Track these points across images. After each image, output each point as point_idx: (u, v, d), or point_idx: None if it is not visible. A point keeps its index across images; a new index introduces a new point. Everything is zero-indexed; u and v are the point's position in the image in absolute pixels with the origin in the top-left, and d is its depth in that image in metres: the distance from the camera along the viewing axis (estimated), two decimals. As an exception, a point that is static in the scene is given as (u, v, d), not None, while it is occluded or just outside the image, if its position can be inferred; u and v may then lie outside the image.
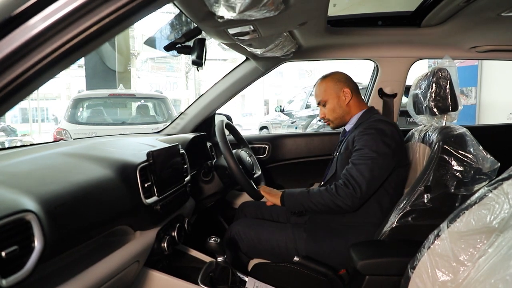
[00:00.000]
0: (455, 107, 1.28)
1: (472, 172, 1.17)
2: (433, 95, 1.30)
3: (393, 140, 1.32)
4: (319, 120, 6.55)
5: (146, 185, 1.05)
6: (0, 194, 0.65)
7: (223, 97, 1.91)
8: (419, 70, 1.78)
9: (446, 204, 1.17)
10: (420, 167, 1.35)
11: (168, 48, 1.34)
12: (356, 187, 1.25)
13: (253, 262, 1.46)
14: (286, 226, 1.47)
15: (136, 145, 1.30)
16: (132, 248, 1.01)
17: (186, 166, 1.38)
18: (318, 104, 1.54)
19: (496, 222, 0.71)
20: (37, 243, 0.63)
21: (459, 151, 1.18)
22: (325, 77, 1.53)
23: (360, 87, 1.53)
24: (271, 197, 1.44)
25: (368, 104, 1.97)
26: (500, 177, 0.76)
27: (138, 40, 14.77)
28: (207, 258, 1.40)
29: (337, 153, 1.50)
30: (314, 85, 1.57)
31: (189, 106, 1.96)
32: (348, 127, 1.53)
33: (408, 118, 4.36)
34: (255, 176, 1.69)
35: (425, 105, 1.34)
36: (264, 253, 1.44)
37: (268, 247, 1.41)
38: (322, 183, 1.55)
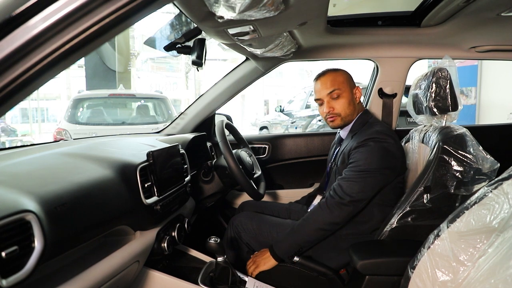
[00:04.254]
0: (455, 107, 1.28)
1: (472, 172, 1.17)
2: (433, 95, 1.30)
3: (389, 153, 1.29)
4: (319, 120, 6.55)
5: (146, 185, 1.05)
6: (0, 194, 0.65)
7: (223, 97, 1.91)
8: (419, 70, 1.78)
9: (446, 204, 1.17)
10: (420, 167, 1.35)
11: (168, 48, 1.34)
12: (344, 195, 1.24)
13: (253, 262, 1.46)
14: (286, 221, 1.50)
15: (136, 145, 1.30)
16: (132, 248, 1.01)
17: (186, 166, 1.38)
18: (329, 93, 1.41)
19: (496, 222, 0.71)
20: (37, 244, 0.63)
21: (459, 151, 1.18)
22: (337, 70, 1.47)
23: (360, 87, 1.51)
24: (259, 259, 1.34)
25: (368, 104, 1.97)
26: (500, 177, 0.76)
27: (138, 40, 14.76)
28: (207, 258, 1.40)
29: (334, 164, 1.47)
30: (322, 75, 1.46)
31: (189, 106, 1.96)
32: (344, 133, 1.50)
33: (408, 118, 4.36)
34: (255, 176, 1.69)
35: (425, 105, 1.34)
36: (264, 245, 1.45)
37: (269, 239, 1.43)
38: (323, 193, 1.54)
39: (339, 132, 1.56)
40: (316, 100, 1.49)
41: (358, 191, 1.24)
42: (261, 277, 1.35)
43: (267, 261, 1.32)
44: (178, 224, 1.27)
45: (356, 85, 1.48)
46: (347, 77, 1.46)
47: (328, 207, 1.25)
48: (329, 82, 1.43)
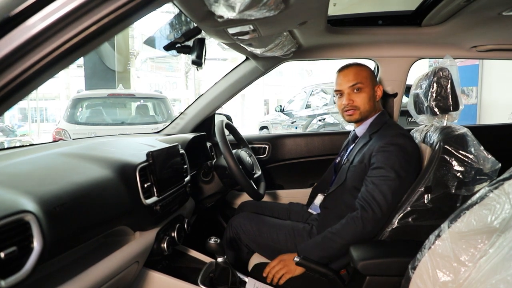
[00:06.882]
0: (456, 107, 1.28)
1: (473, 172, 1.16)
2: (434, 94, 1.29)
3: (414, 157, 1.29)
4: (319, 120, 6.53)
5: (145, 185, 1.05)
6: (-1, 194, 0.65)
7: (223, 97, 1.91)
8: (419, 69, 1.78)
9: (447, 205, 1.16)
10: (421, 167, 1.34)
11: (167, 47, 1.34)
12: (378, 209, 1.21)
13: (253, 262, 1.46)
14: (286, 223, 1.50)
15: (135, 145, 1.30)
16: (132, 249, 1.01)
17: (186, 166, 1.38)
18: (351, 86, 1.41)
19: (497, 222, 0.71)
20: (36, 244, 0.63)
21: (460, 151, 1.18)
22: (362, 65, 1.46)
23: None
24: (294, 267, 1.28)
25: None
26: (501, 177, 0.76)
27: (137, 40, 14.75)
28: (207, 259, 1.40)
29: (347, 161, 1.44)
30: (346, 67, 1.45)
31: (189, 106, 1.96)
32: (360, 131, 1.48)
33: (408, 118, 4.37)
34: (255, 176, 1.69)
35: (426, 104, 1.34)
36: (264, 247, 1.44)
37: (269, 240, 1.42)
38: (327, 191, 1.51)
39: (354, 130, 1.55)
40: (336, 91, 1.47)
41: (391, 202, 1.22)
42: (261, 277, 1.35)
43: (297, 267, 1.29)
44: (178, 225, 1.27)
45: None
46: (371, 74, 1.46)
47: (363, 222, 1.21)
48: (353, 74, 1.43)
